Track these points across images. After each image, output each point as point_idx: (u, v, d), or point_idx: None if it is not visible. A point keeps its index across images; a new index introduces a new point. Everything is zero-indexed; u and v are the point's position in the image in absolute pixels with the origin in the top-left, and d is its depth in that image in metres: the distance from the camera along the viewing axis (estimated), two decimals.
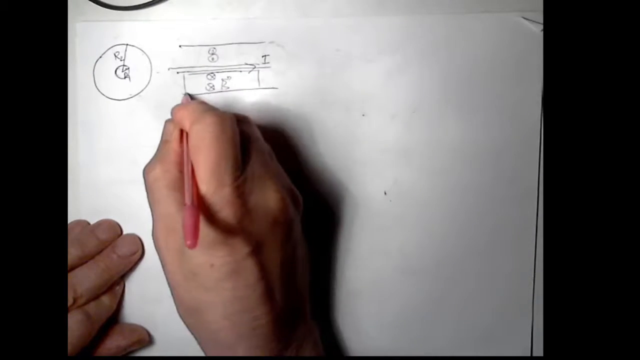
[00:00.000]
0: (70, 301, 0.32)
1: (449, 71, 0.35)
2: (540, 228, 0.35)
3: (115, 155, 0.35)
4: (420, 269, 0.35)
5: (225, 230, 0.26)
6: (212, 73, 0.35)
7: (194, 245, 0.23)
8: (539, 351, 0.35)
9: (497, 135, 0.35)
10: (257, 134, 0.30)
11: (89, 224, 0.35)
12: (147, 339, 0.36)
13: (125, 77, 0.35)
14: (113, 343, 0.35)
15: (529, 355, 0.35)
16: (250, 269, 0.27)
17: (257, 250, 0.27)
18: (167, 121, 0.31)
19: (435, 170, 0.35)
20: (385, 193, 0.35)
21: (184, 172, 0.27)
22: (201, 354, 0.36)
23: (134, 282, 0.36)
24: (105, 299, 0.34)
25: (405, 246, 0.35)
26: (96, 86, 0.35)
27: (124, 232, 0.35)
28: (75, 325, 0.32)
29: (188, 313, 0.29)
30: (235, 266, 0.27)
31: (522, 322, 0.35)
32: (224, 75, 0.35)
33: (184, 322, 0.30)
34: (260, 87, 0.35)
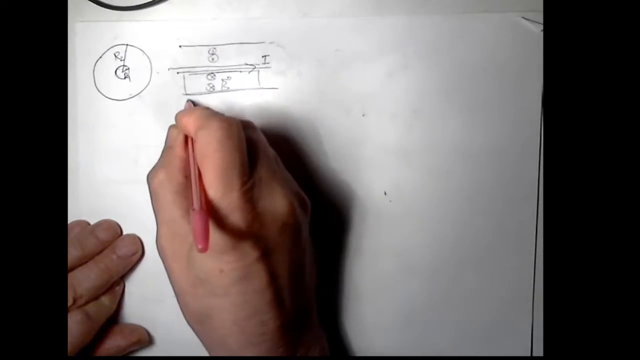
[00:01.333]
0: (70, 301, 0.32)
1: (449, 71, 0.35)
2: (540, 228, 0.35)
3: (115, 155, 0.35)
4: (420, 269, 0.35)
5: (234, 235, 0.26)
6: (212, 73, 0.35)
7: (205, 249, 0.23)
8: (539, 351, 0.35)
9: (497, 136, 0.35)
10: (263, 139, 0.30)
11: (88, 224, 0.35)
12: (147, 339, 0.36)
13: (125, 77, 0.35)
14: (113, 343, 0.34)
15: (529, 355, 0.35)
16: (259, 274, 0.27)
17: (266, 255, 0.27)
18: (171, 127, 0.31)
19: (435, 170, 0.35)
20: (385, 193, 0.35)
21: (191, 177, 0.27)
22: (201, 353, 0.36)
23: (134, 283, 0.36)
24: (105, 299, 0.34)
25: (405, 246, 0.35)
26: (96, 86, 0.35)
27: (124, 232, 0.35)
28: (75, 325, 0.32)
29: (196, 320, 0.29)
30: (244, 271, 0.27)
31: (522, 322, 0.35)
32: (224, 75, 0.35)
33: (192, 329, 0.30)
34: (261, 87, 0.35)
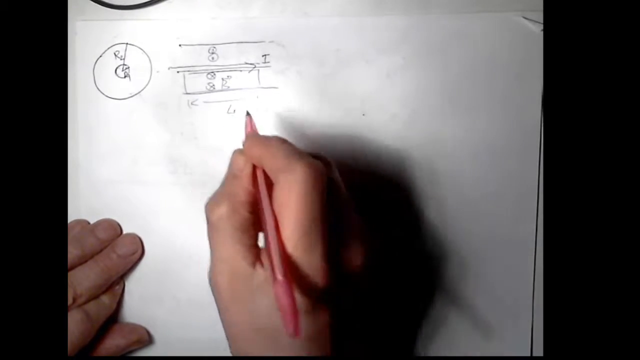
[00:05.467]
0: (70, 300, 0.32)
1: (448, 71, 0.35)
2: (540, 228, 0.35)
3: (115, 155, 0.35)
4: (420, 269, 0.35)
5: (311, 298, 0.23)
6: (212, 72, 0.35)
7: (297, 334, 0.21)
8: (539, 351, 0.35)
9: (497, 135, 0.35)
10: (340, 179, 0.28)
11: (88, 223, 0.35)
12: (146, 339, 0.36)
13: (125, 77, 0.35)
14: (112, 343, 0.35)
15: (529, 355, 0.35)
16: (328, 336, 0.25)
17: (335, 315, 0.25)
18: (236, 152, 0.27)
19: (435, 170, 0.35)
20: (385, 193, 0.35)
21: (266, 228, 0.24)
22: (201, 353, 0.36)
23: (134, 282, 0.36)
24: (105, 299, 0.34)
25: (404, 246, 0.35)
26: (96, 86, 0.35)
27: (124, 232, 0.35)
28: (75, 324, 0.32)
29: None
30: (315, 334, 0.24)
31: (522, 322, 0.35)
32: (224, 74, 0.35)
33: None
34: (261, 86, 0.35)
